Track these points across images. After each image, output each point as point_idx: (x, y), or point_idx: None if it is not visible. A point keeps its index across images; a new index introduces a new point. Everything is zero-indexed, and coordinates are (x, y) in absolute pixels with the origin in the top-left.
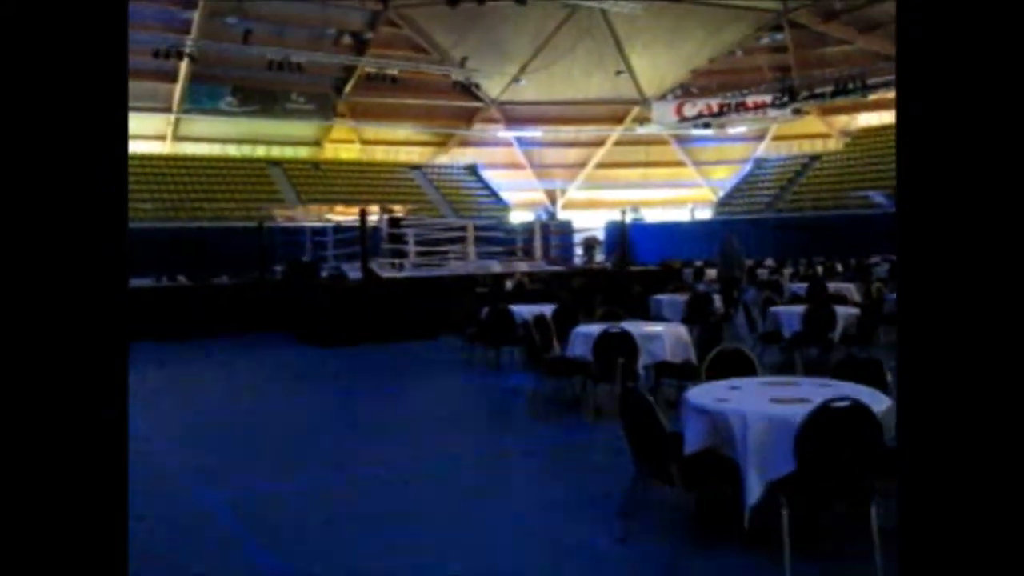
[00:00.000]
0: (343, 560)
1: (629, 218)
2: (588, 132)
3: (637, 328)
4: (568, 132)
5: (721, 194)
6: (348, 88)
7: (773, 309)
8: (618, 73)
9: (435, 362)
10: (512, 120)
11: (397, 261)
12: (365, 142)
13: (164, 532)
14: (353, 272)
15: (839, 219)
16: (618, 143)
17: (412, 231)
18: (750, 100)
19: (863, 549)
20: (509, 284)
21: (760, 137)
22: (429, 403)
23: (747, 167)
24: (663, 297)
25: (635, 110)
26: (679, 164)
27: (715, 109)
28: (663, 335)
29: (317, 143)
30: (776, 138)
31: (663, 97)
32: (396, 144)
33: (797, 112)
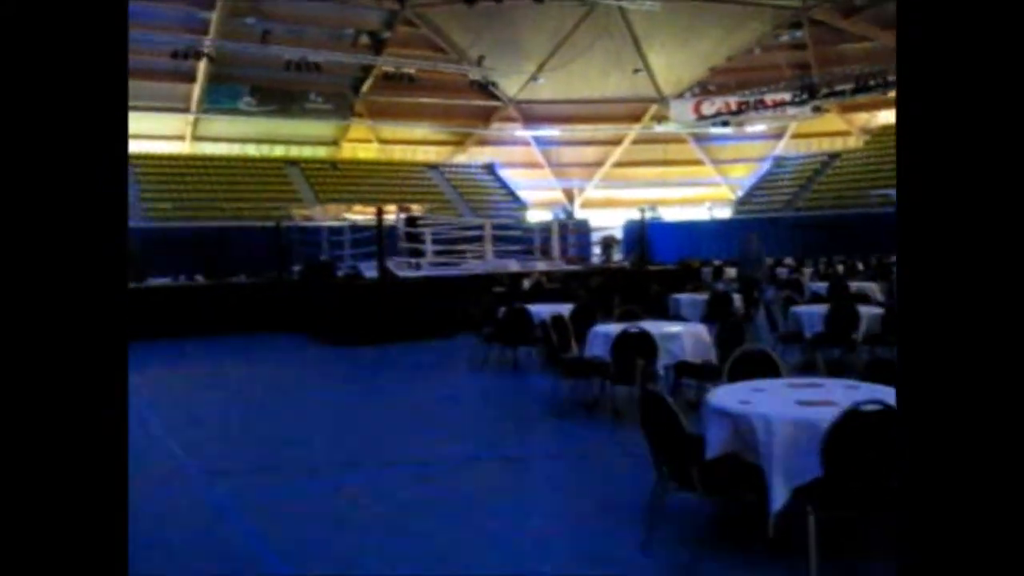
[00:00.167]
0: (353, 565)
1: (647, 217)
2: (606, 131)
3: (656, 328)
4: (586, 131)
5: (740, 193)
6: (366, 87)
7: (794, 309)
8: (636, 71)
9: (451, 362)
10: (530, 119)
11: (414, 260)
12: (383, 141)
13: (173, 532)
14: (370, 271)
15: (859, 217)
16: (636, 142)
17: (429, 230)
18: (769, 98)
19: (892, 558)
20: (527, 283)
21: (779, 135)
22: (445, 404)
23: (766, 165)
24: (682, 296)
25: (653, 108)
26: (697, 163)
27: (734, 107)
28: (683, 335)
29: (335, 143)
30: (795, 136)
31: (681, 95)
32: (414, 143)
33: (817, 110)
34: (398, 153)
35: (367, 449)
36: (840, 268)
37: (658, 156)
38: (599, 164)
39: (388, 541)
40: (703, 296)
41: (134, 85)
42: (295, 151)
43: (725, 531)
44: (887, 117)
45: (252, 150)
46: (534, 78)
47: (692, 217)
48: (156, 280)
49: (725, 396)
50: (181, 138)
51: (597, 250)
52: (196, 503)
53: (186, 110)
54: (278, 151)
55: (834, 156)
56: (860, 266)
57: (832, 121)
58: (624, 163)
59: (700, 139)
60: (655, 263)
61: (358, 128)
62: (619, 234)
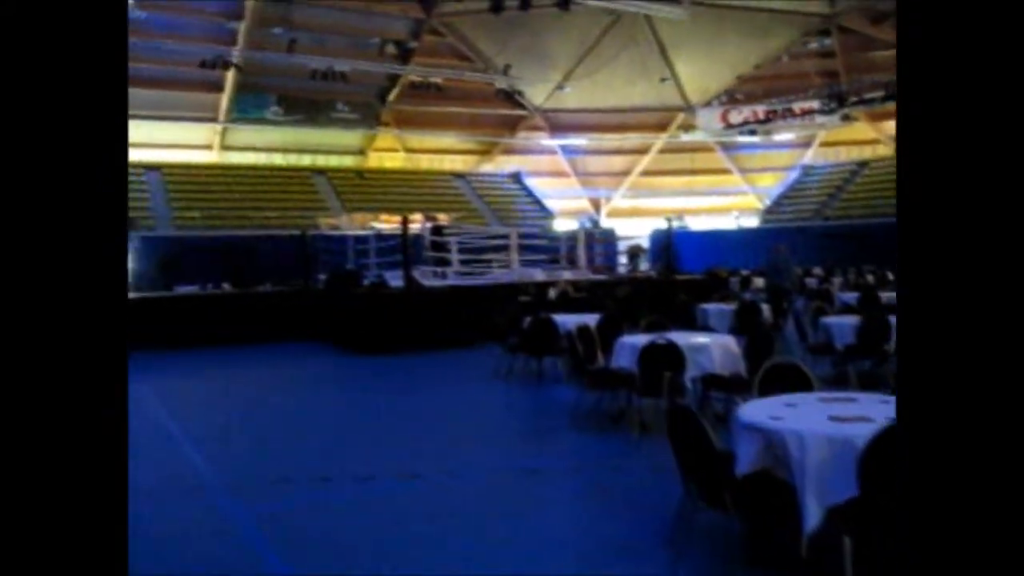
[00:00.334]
0: None
1: (673, 226)
2: (632, 140)
3: (684, 339)
4: (612, 140)
5: (767, 202)
6: (392, 97)
7: (824, 320)
8: (663, 80)
9: (476, 372)
10: (556, 128)
11: (440, 269)
12: (409, 150)
13: (183, 540)
14: (395, 280)
15: (889, 227)
16: (663, 151)
17: (455, 239)
18: (797, 106)
19: None
20: (552, 293)
21: (807, 144)
22: (468, 415)
23: (794, 174)
24: (710, 306)
25: (680, 117)
26: (724, 171)
27: (761, 116)
28: (711, 346)
29: (361, 152)
30: (823, 144)
31: (708, 104)
32: (440, 152)
33: (845, 118)
34: (424, 162)
35: (388, 460)
36: (870, 278)
37: (685, 165)
38: (626, 173)
39: (404, 554)
40: (731, 306)
41: (163, 95)
42: (322, 160)
43: (756, 552)
44: None
45: (279, 159)
46: (560, 87)
47: (719, 226)
48: (183, 288)
49: (756, 411)
50: (209, 147)
51: (624, 259)
52: (213, 515)
53: (214, 119)
54: (305, 160)
55: (863, 165)
56: (890, 276)
57: (861, 129)
58: (651, 172)
59: (727, 148)
60: (682, 272)
61: (385, 137)
62: (646, 243)
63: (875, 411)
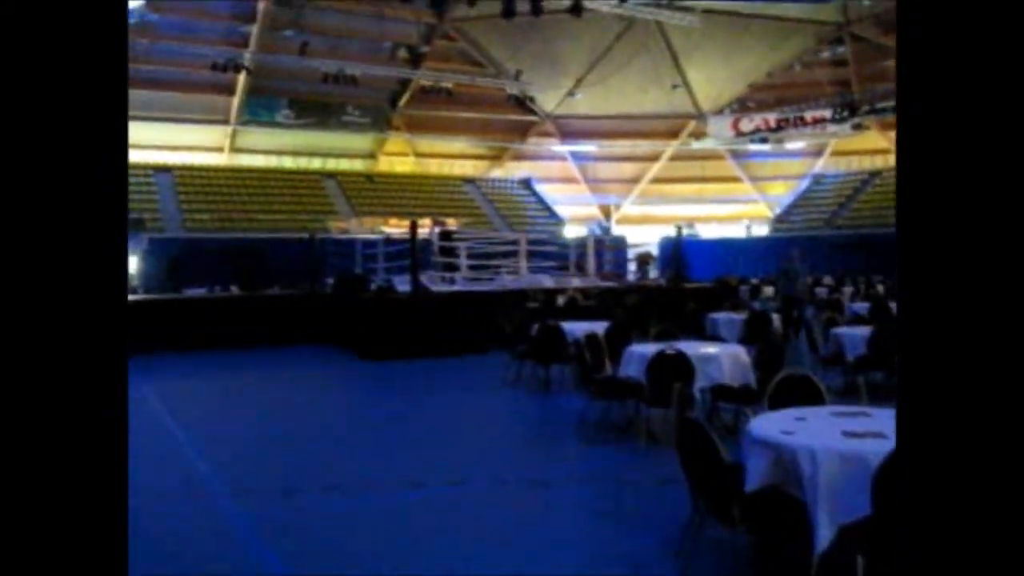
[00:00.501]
0: None
1: (683, 234)
2: (643, 147)
3: (693, 349)
4: (623, 147)
5: (778, 210)
6: (403, 101)
7: (835, 330)
8: (674, 87)
9: (482, 379)
10: (567, 134)
11: (448, 275)
12: (419, 155)
13: (182, 546)
14: (403, 285)
15: None
16: (673, 158)
17: (464, 244)
18: (809, 115)
19: None
20: (561, 300)
21: (818, 152)
22: (474, 423)
23: (805, 183)
24: (719, 315)
25: (691, 124)
26: (735, 180)
27: (773, 124)
28: (721, 356)
29: (372, 156)
30: (835, 153)
31: (720, 111)
32: (451, 157)
33: (857, 127)
34: (435, 167)
35: (391, 469)
36: (880, 288)
37: (696, 173)
38: (636, 180)
39: (407, 564)
40: (741, 315)
41: (174, 97)
42: (332, 164)
43: (765, 570)
44: None
45: (289, 162)
46: (572, 93)
47: (729, 234)
48: (191, 291)
49: (767, 425)
50: (220, 150)
51: (633, 267)
52: (213, 522)
53: (225, 122)
54: (315, 164)
55: (874, 174)
56: None
57: (872, 139)
58: (661, 179)
59: (738, 156)
60: (691, 280)
61: (395, 141)
62: (655, 251)
63: (889, 427)
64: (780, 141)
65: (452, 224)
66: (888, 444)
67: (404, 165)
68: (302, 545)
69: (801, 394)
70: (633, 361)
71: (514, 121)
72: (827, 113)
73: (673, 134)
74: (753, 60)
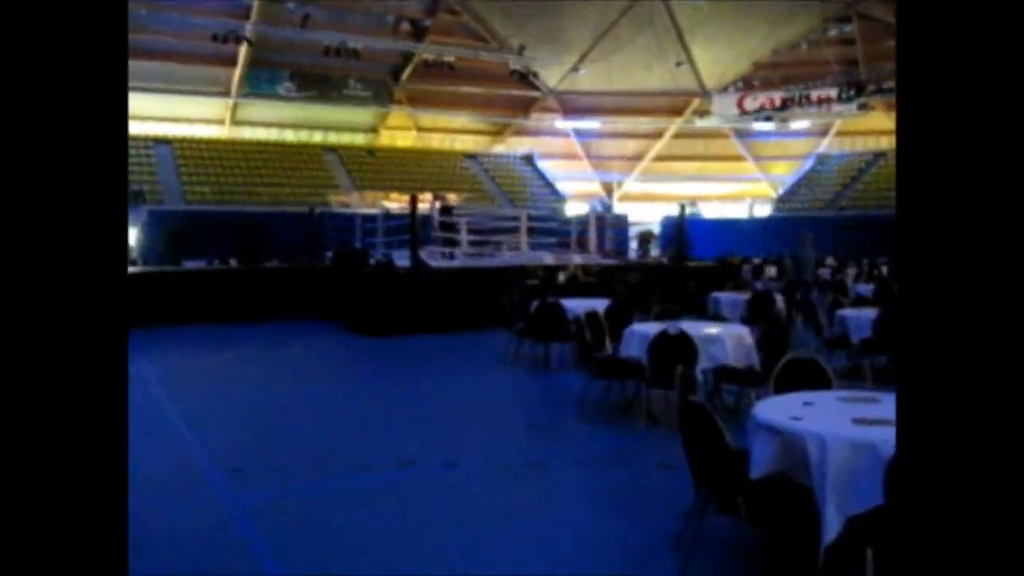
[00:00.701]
0: None
1: (686, 213)
2: (646, 124)
3: (696, 329)
4: (626, 123)
5: (781, 190)
6: (405, 75)
7: (840, 312)
8: (679, 64)
9: (481, 356)
10: (570, 110)
11: (448, 250)
12: (421, 129)
13: (175, 531)
14: (402, 260)
15: None
16: (677, 136)
17: (464, 220)
18: (814, 94)
19: None
20: (562, 277)
21: (823, 132)
22: (471, 401)
23: (809, 163)
24: (722, 295)
25: (695, 102)
26: (738, 159)
27: (777, 103)
28: (724, 337)
29: (373, 130)
30: (840, 133)
31: (724, 89)
32: (452, 132)
33: (863, 107)
34: (436, 142)
35: (387, 448)
36: (884, 270)
37: (699, 151)
38: (639, 158)
39: (400, 550)
40: (744, 295)
41: (174, 68)
42: (333, 137)
43: (769, 561)
44: None
45: (290, 135)
46: (575, 69)
47: (732, 214)
48: (191, 264)
49: (773, 410)
50: (221, 122)
51: (634, 245)
52: (200, 503)
53: (226, 94)
54: (316, 137)
55: (879, 155)
56: None
57: (878, 119)
58: (664, 157)
59: (742, 135)
60: (693, 259)
61: (397, 116)
62: (657, 229)
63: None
64: (784, 120)
65: (453, 199)
66: None
67: (406, 139)
68: (291, 526)
69: (807, 377)
70: (634, 340)
71: (517, 96)
72: (833, 92)
73: (677, 112)
74: (759, 38)
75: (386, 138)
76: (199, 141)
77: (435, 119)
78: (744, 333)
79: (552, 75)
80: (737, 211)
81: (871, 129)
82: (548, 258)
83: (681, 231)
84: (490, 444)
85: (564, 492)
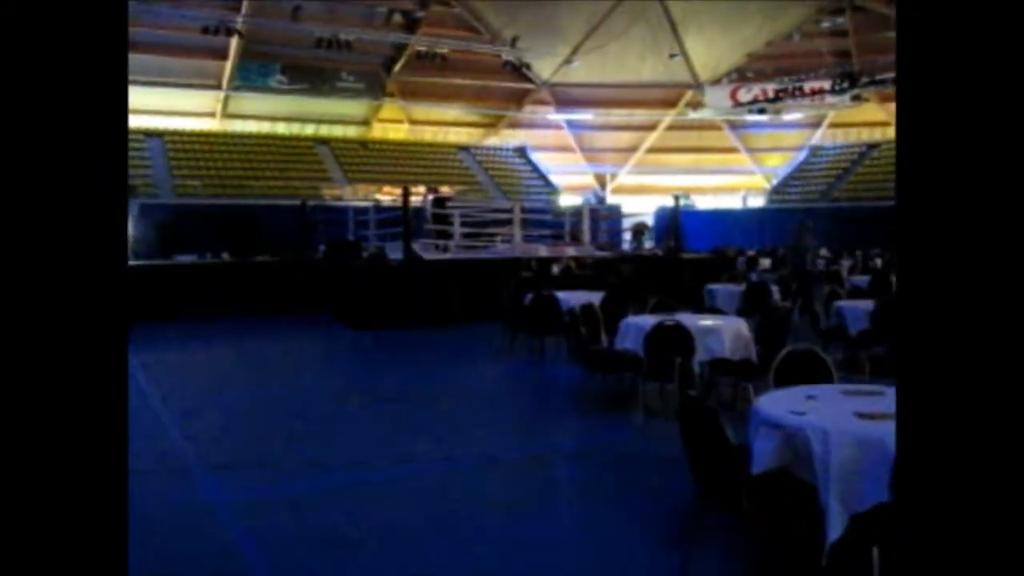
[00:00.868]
0: None
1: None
2: (640, 116)
3: (693, 321)
4: (619, 116)
5: (775, 182)
6: (398, 67)
7: (838, 304)
8: (672, 56)
9: (475, 349)
10: (563, 102)
11: (441, 242)
12: (414, 122)
13: (160, 530)
14: (395, 253)
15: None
16: (670, 128)
17: (457, 212)
18: (807, 86)
19: None
20: (555, 269)
21: (816, 124)
22: (465, 395)
23: (802, 154)
24: (717, 287)
25: (688, 94)
26: (732, 150)
27: (771, 94)
28: (721, 329)
29: (366, 122)
30: (833, 125)
31: (718, 81)
32: (445, 125)
33: (856, 99)
34: (429, 134)
35: (382, 444)
36: (878, 262)
37: (692, 143)
38: (632, 149)
39: (395, 548)
40: (739, 287)
41: (165, 61)
42: (325, 130)
43: (771, 559)
44: None
45: (282, 128)
46: (568, 61)
47: (725, 205)
48: (182, 257)
49: (775, 404)
50: (212, 115)
51: (627, 237)
52: (187, 501)
53: (217, 87)
54: (308, 130)
55: (872, 147)
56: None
57: (871, 111)
58: (657, 149)
59: (735, 126)
60: (687, 251)
61: (389, 108)
62: (651, 221)
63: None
64: (778, 112)
65: (446, 191)
66: None
67: (398, 132)
68: (282, 525)
69: (808, 370)
70: (630, 333)
71: (510, 88)
72: (826, 84)
73: (670, 103)
74: (752, 29)
75: (379, 131)
76: (190, 134)
77: (428, 112)
78: (741, 325)
79: (545, 67)
80: (731, 203)
81: (864, 121)
82: (542, 250)
83: (676, 223)
84: (486, 439)
85: (561, 488)
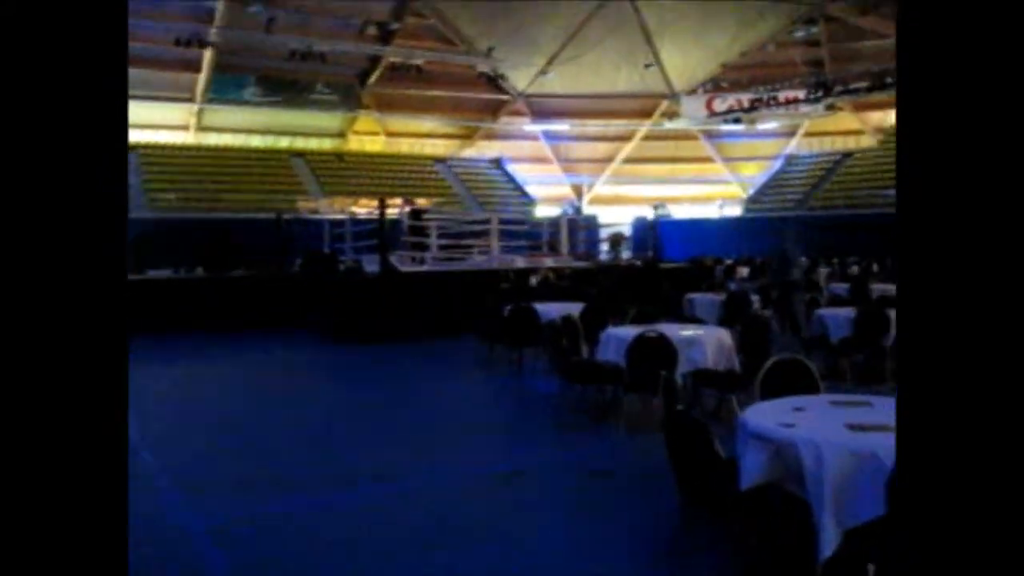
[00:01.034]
0: None
1: (656, 214)
2: (616, 126)
3: (675, 332)
4: (596, 126)
5: (751, 191)
6: (373, 79)
7: (819, 312)
8: (647, 66)
9: (453, 362)
10: (539, 113)
11: (418, 255)
12: (390, 134)
13: (131, 562)
14: (372, 265)
15: (873, 218)
16: (646, 138)
17: (435, 224)
18: (782, 95)
19: None
20: (534, 280)
21: (791, 133)
22: (446, 410)
23: (777, 164)
24: (696, 296)
25: (664, 104)
26: (708, 160)
27: (746, 104)
28: (704, 340)
29: (341, 135)
30: (808, 134)
31: (693, 91)
32: (421, 136)
33: (830, 108)
34: (405, 146)
35: (359, 461)
36: (855, 269)
37: (668, 153)
38: (609, 160)
39: (373, 570)
40: (719, 296)
41: (139, 74)
42: (301, 143)
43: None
44: None
45: (257, 141)
46: (544, 72)
47: (702, 215)
48: (155, 273)
49: (763, 417)
50: (185, 128)
51: (605, 247)
52: (160, 522)
53: (191, 100)
54: (283, 142)
55: (847, 155)
56: (875, 267)
57: (845, 120)
58: (634, 159)
59: (711, 136)
60: (664, 261)
61: (365, 120)
62: (628, 231)
63: (895, 419)
64: (753, 121)
65: (422, 204)
66: None
67: (374, 144)
68: (255, 550)
69: (793, 380)
70: (611, 344)
71: (485, 100)
72: (800, 93)
73: (646, 114)
74: (726, 40)
75: (354, 143)
76: (164, 148)
77: (404, 123)
78: (724, 335)
79: (521, 78)
80: (707, 212)
81: (839, 129)
82: (519, 261)
83: (655, 233)
84: (466, 455)
85: (543, 503)
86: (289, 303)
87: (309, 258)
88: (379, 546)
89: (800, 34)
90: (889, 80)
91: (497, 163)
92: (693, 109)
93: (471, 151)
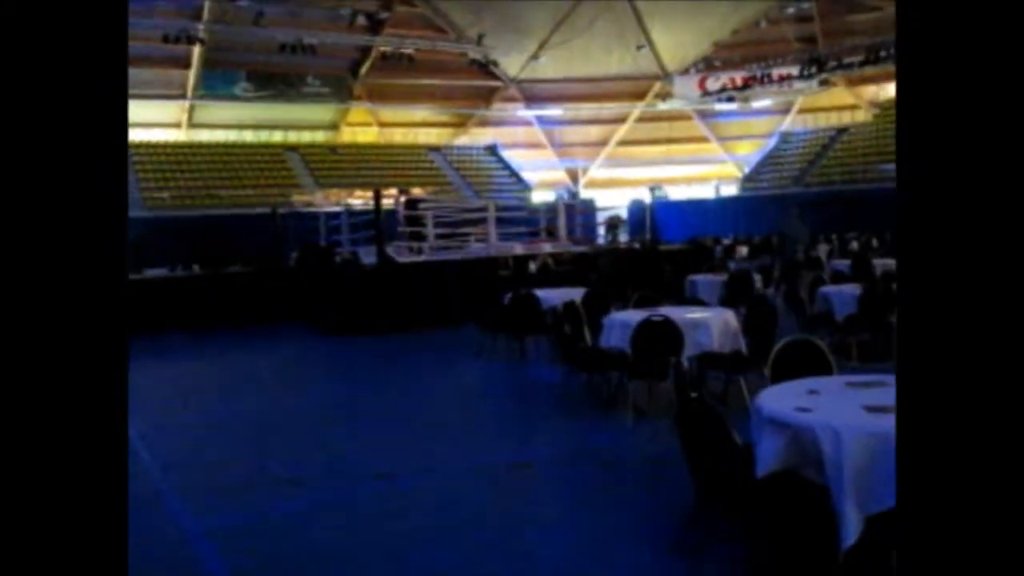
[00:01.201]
0: None
1: (654, 196)
2: (609, 109)
3: (679, 315)
4: (589, 110)
5: (746, 170)
6: (364, 70)
7: (823, 290)
8: (639, 48)
9: (454, 353)
10: (531, 99)
11: (415, 245)
12: (383, 125)
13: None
14: (368, 257)
15: (870, 193)
16: (640, 120)
17: (431, 213)
18: (775, 72)
19: None
20: (533, 266)
21: (785, 110)
22: (448, 402)
23: (772, 141)
24: (698, 277)
25: (657, 85)
26: (703, 140)
27: (739, 82)
28: (709, 322)
29: (334, 127)
30: (802, 111)
31: (685, 71)
32: (414, 126)
33: (824, 83)
34: (398, 136)
35: (361, 457)
36: (855, 245)
37: (663, 134)
38: (603, 143)
39: (378, 569)
40: (721, 277)
41: (129, 72)
42: (294, 136)
43: (784, 567)
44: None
45: (250, 136)
46: (535, 57)
47: (698, 195)
48: (152, 271)
49: (778, 401)
50: (177, 125)
51: (602, 231)
52: (156, 524)
53: (182, 97)
54: (276, 137)
55: (842, 131)
56: (875, 242)
57: (839, 95)
58: (628, 142)
59: (705, 116)
60: (662, 242)
61: (357, 112)
62: (624, 214)
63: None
64: (747, 100)
65: (418, 193)
66: None
67: (367, 135)
68: (258, 549)
69: (804, 361)
70: (615, 329)
71: (478, 87)
72: (794, 70)
73: (639, 95)
74: (718, 18)
75: (347, 135)
76: (156, 146)
77: (396, 113)
78: (729, 317)
79: (512, 64)
80: (703, 192)
81: (833, 105)
82: (517, 248)
83: (653, 215)
84: (469, 447)
85: (550, 495)
86: (287, 297)
87: (305, 252)
88: (383, 544)
89: (792, 10)
90: (883, 54)
91: (491, 150)
92: (686, 89)
93: (465, 139)
